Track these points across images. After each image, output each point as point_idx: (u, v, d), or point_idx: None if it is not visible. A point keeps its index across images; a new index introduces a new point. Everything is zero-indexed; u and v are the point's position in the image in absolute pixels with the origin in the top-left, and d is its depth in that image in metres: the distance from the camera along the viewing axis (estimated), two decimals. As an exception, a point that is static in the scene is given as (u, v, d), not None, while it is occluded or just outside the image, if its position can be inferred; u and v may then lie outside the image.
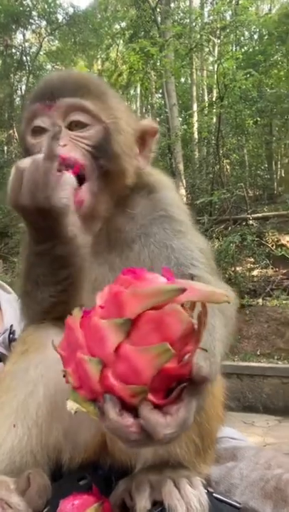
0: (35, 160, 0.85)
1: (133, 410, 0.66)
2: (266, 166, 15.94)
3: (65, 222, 0.88)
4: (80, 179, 0.94)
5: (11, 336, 1.31)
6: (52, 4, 15.22)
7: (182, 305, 0.68)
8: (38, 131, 0.98)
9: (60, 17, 15.76)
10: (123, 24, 17.80)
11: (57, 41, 17.02)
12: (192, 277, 0.81)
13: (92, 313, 0.70)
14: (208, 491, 0.86)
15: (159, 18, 12.87)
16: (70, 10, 15.55)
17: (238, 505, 0.89)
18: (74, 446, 0.91)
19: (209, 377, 0.70)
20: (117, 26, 18.24)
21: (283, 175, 16.08)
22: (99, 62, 18.90)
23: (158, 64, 11.96)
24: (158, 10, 12.95)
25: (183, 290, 0.65)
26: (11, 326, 1.34)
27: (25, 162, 0.86)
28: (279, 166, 16.30)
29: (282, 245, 10.84)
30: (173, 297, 0.66)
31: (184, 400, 0.68)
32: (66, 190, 0.86)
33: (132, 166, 1.04)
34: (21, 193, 0.85)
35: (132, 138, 1.05)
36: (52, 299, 0.93)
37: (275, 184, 15.25)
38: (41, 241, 0.91)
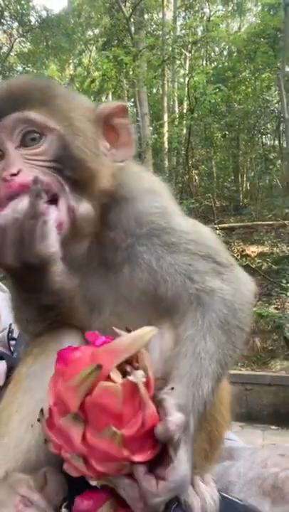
0: (16, 218, 0.79)
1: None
2: (233, 178, 16.42)
3: (52, 271, 0.85)
4: (52, 199, 0.86)
5: (10, 334, 1.29)
6: (25, 6, 15.05)
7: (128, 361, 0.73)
8: None
9: (32, 19, 15.61)
10: (96, 31, 17.88)
11: (29, 43, 16.81)
12: (127, 329, 0.79)
13: (52, 413, 0.75)
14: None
15: (132, 28, 13.04)
16: (43, 13, 15.44)
17: (240, 502, 0.94)
18: None
19: (176, 437, 0.73)
20: (90, 33, 18.30)
21: (248, 187, 16.60)
22: (71, 67, 18.83)
23: (131, 73, 12.08)
24: (132, 20, 13.13)
25: (100, 367, 0.69)
26: (10, 324, 1.32)
27: (5, 218, 0.80)
28: (245, 179, 16.81)
29: (247, 255, 11.16)
30: (96, 378, 0.70)
31: (172, 459, 0.74)
32: (52, 236, 0.82)
33: (103, 165, 0.94)
34: (4, 252, 0.81)
35: (94, 132, 0.94)
36: (45, 325, 0.96)
37: (241, 196, 15.71)
38: (26, 292, 0.91)
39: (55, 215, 0.83)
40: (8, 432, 0.87)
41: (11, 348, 1.26)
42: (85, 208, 0.90)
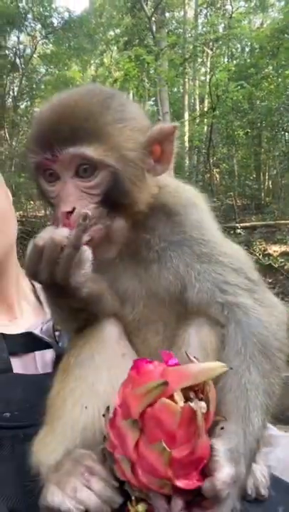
0: (55, 241, 0.84)
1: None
2: (254, 176, 16.19)
3: (81, 292, 0.91)
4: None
5: (55, 325, 1.34)
6: (48, 8, 15.26)
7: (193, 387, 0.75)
8: (50, 175, 0.95)
9: (55, 21, 15.83)
10: (117, 31, 17.96)
11: (51, 45, 17.05)
12: (187, 356, 0.82)
13: (116, 413, 0.80)
14: None
15: (154, 27, 13.03)
16: (66, 14, 15.61)
17: (285, 480, 0.98)
18: None
19: (224, 495, 0.74)
20: (112, 33, 18.40)
21: (271, 186, 16.34)
22: (92, 67, 19.00)
23: (152, 72, 12.10)
24: (153, 19, 13.12)
25: (166, 383, 0.73)
26: None
27: (44, 239, 0.85)
28: (267, 177, 16.56)
29: (269, 255, 11.00)
30: (160, 392, 0.73)
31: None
32: (85, 269, 0.88)
33: (146, 189, 0.98)
34: (40, 269, 0.87)
35: (143, 156, 0.96)
36: (81, 324, 1.02)
37: (263, 194, 15.48)
38: (55, 297, 0.98)
39: (90, 257, 0.89)
40: (64, 414, 0.93)
41: (56, 338, 1.31)
42: (119, 224, 0.96)
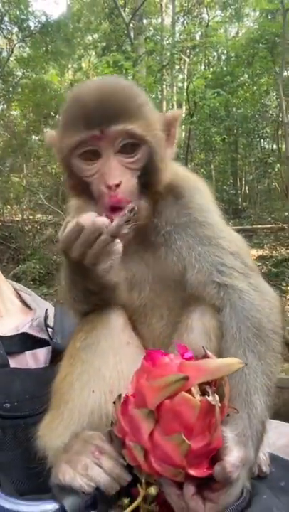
0: (96, 224, 0.87)
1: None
2: (232, 181, 16.47)
3: (102, 278, 0.94)
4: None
5: (46, 321, 1.36)
6: (24, 11, 15.13)
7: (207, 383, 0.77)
8: (90, 154, 0.98)
9: (32, 24, 15.69)
10: (96, 36, 17.99)
11: (28, 48, 16.89)
12: (204, 349, 0.85)
13: (127, 401, 0.81)
14: None
15: (132, 34, 13.12)
16: (43, 18, 15.50)
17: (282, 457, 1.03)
18: None
19: (234, 477, 0.77)
20: (90, 38, 18.40)
21: (247, 191, 16.65)
22: (70, 71, 18.92)
23: (130, 78, 12.17)
24: (131, 25, 13.22)
25: (187, 378, 0.74)
26: (46, 310, 1.39)
27: (86, 220, 0.88)
28: (243, 183, 16.88)
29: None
30: (180, 386, 0.75)
31: (226, 489, 0.78)
32: (114, 259, 0.92)
33: (166, 172, 1.05)
34: (74, 247, 0.90)
35: (164, 140, 1.04)
36: (90, 306, 1.04)
37: (240, 199, 15.77)
38: (76, 275, 0.98)
39: (120, 249, 0.93)
40: (72, 398, 0.95)
41: (50, 334, 1.33)
42: (144, 203, 1.00)
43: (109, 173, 0.94)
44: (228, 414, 0.84)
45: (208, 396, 0.76)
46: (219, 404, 0.77)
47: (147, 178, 0.99)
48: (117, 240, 0.91)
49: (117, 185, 0.93)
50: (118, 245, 0.91)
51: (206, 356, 0.83)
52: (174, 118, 1.06)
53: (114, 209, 0.93)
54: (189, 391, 0.75)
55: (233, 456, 0.78)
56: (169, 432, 0.75)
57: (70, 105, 1.00)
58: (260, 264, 11.16)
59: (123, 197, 0.93)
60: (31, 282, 9.38)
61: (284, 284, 10.33)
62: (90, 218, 0.88)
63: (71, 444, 0.91)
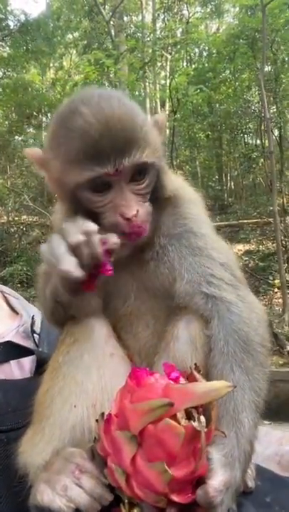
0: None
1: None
2: (217, 177, 16.57)
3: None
4: None
5: (32, 327, 1.34)
6: (3, 10, 14.92)
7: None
8: (100, 186, 0.93)
9: (11, 23, 15.48)
10: (76, 34, 17.85)
11: (8, 47, 16.67)
12: (195, 365, 0.83)
13: (110, 421, 0.78)
14: None
15: (112, 31, 13.06)
16: (22, 17, 15.31)
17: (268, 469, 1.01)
18: None
19: (217, 502, 0.75)
20: (70, 36, 18.25)
21: (233, 186, 16.78)
22: (52, 70, 18.75)
23: (112, 76, 12.11)
24: (112, 23, 13.15)
25: (171, 404, 0.71)
26: (33, 316, 1.36)
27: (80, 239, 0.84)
28: (229, 178, 17.00)
29: (234, 253, 11.28)
30: (164, 412, 0.71)
31: None
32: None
33: (169, 181, 1.05)
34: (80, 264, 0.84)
35: (162, 151, 1.03)
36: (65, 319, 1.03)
37: (226, 195, 15.88)
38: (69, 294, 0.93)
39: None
40: (53, 413, 0.93)
41: (36, 342, 1.31)
42: (152, 216, 0.98)
43: (127, 204, 0.92)
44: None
45: (194, 421, 0.73)
46: (205, 430, 0.74)
47: (156, 194, 0.99)
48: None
49: (135, 215, 0.91)
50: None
51: (192, 377, 0.79)
52: (162, 123, 1.06)
53: (131, 237, 0.93)
54: (174, 416, 0.72)
55: (217, 480, 0.76)
56: (152, 458, 0.72)
57: (72, 135, 0.91)
58: (247, 258, 11.28)
59: (142, 224, 0.93)
60: (19, 285, 9.30)
61: (271, 278, 10.45)
62: (81, 234, 0.84)
63: (52, 462, 0.89)
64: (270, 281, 10.39)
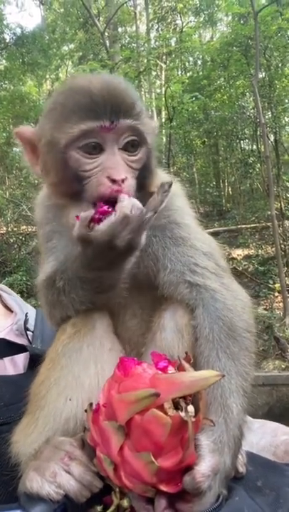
0: (142, 214, 0.85)
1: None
2: (214, 183, 16.64)
3: (131, 257, 0.92)
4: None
5: (26, 324, 1.34)
6: (-1, 25, 15.12)
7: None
8: (91, 147, 0.93)
9: (7, 37, 15.66)
10: (72, 46, 18.05)
11: (4, 60, 16.84)
12: (186, 354, 0.83)
13: (98, 411, 0.78)
14: None
15: (107, 42, 13.22)
16: (18, 30, 15.50)
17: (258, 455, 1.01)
18: None
19: (204, 487, 0.75)
20: (66, 48, 18.46)
21: (230, 192, 16.83)
22: (48, 82, 18.93)
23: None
24: (106, 34, 13.32)
25: (158, 395, 0.70)
26: (26, 314, 1.37)
27: (133, 210, 0.85)
28: (226, 184, 17.06)
29: (233, 258, 11.30)
30: (150, 403, 0.71)
31: (196, 500, 0.76)
32: (145, 233, 0.90)
33: (156, 175, 1.06)
34: (121, 236, 0.85)
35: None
36: (83, 307, 1.00)
37: (224, 201, 15.93)
38: (96, 269, 0.93)
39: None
40: (47, 404, 0.93)
41: (30, 339, 1.31)
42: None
43: (116, 168, 0.91)
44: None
45: (182, 411, 0.72)
46: (193, 419, 0.73)
47: (142, 180, 0.98)
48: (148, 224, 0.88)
49: (123, 181, 0.90)
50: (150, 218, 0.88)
51: (182, 367, 0.79)
52: (155, 128, 1.09)
53: (108, 202, 0.90)
54: (161, 406, 0.71)
55: (204, 466, 0.76)
56: (139, 448, 0.72)
57: (70, 95, 0.95)
58: (246, 263, 11.28)
59: (128, 193, 0.90)
60: (19, 295, 9.26)
61: (271, 282, 10.45)
62: (135, 208, 0.85)
63: (41, 450, 0.89)
64: (270, 285, 10.39)
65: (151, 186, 1.02)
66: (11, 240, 11.76)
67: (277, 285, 10.03)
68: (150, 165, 1.01)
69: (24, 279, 9.65)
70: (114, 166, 0.91)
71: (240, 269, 10.78)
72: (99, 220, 0.85)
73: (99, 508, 0.79)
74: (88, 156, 0.93)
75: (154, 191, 0.99)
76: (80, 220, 0.85)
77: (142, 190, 0.98)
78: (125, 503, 0.77)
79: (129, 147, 0.96)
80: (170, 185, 0.88)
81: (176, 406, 0.73)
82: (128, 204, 0.85)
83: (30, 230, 11.87)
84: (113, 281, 0.96)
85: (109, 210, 0.87)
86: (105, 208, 0.88)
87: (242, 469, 0.94)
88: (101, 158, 0.93)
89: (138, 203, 0.86)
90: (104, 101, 0.91)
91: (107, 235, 0.84)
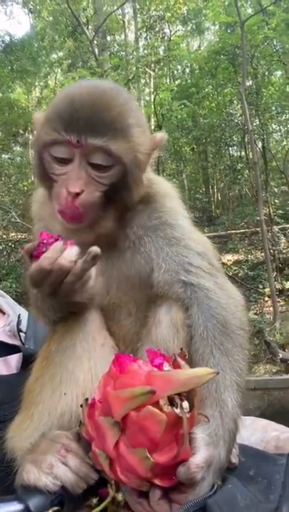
0: (62, 268, 0.88)
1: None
2: (204, 189, 16.77)
3: (81, 298, 0.95)
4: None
5: (19, 325, 1.34)
6: (-13, 32, 15.12)
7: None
8: (62, 158, 0.95)
9: (-4, 44, 15.68)
10: (60, 54, 18.13)
11: (-7, 68, 16.81)
12: (181, 351, 0.84)
13: (94, 406, 0.79)
14: None
15: (96, 50, 13.31)
16: (7, 38, 15.57)
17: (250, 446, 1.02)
18: None
19: (198, 478, 0.77)
20: (55, 55, 18.53)
21: (220, 198, 16.99)
22: (37, 89, 18.95)
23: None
24: (95, 42, 13.40)
25: (153, 392, 0.72)
26: (19, 315, 1.37)
27: (51, 263, 0.87)
28: (215, 190, 17.21)
29: (223, 264, 11.37)
30: (146, 400, 0.72)
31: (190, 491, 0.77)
32: (88, 287, 0.93)
33: (140, 190, 1.03)
34: (43, 287, 0.90)
35: (147, 160, 1.03)
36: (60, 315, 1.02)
37: (213, 207, 16.06)
38: (51, 301, 0.97)
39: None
40: (42, 400, 0.94)
41: (22, 340, 1.32)
42: (109, 215, 0.99)
43: (74, 180, 0.92)
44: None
45: (177, 407, 0.73)
46: (187, 416, 0.74)
47: (115, 195, 0.97)
48: (89, 274, 0.92)
49: (78, 194, 0.91)
50: (88, 273, 0.91)
51: (177, 364, 0.80)
52: (161, 142, 1.06)
53: (65, 214, 0.93)
54: (157, 403, 0.72)
55: (198, 457, 0.78)
56: (135, 444, 0.73)
57: (61, 100, 0.97)
58: (236, 268, 11.36)
59: (80, 206, 0.92)
60: (9, 302, 9.19)
61: (261, 287, 10.53)
62: (54, 259, 0.87)
63: (37, 444, 0.90)
64: (260, 290, 10.47)
65: (131, 200, 1.02)
66: (0, 247, 11.66)
67: (267, 290, 10.10)
68: (126, 182, 0.97)
69: (14, 286, 9.57)
70: (72, 178, 0.93)
71: (231, 274, 10.85)
72: (40, 253, 0.88)
73: (95, 500, 0.81)
74: (58, 163, 0.96)
75: (134, 204, 1.04)
76: (24, 252, 0.90)
77: (118, 203, 0.99)
78: (120, 496, 0.78)
79: (99, 165, 0.95)
80: (93, 256, 0.89)
81: (172, 402, 0.74)
82: (51, 256, 0.87)
83: (19, 236, 11.80)
84: (75, 304, 0.98)
85: (51, 240, 0.89)
86: (46, 239, 0.90)
87: (235, 460, 0.95)
88: (67, 168, 0.95)
89: (68, 259, 0.88)
90: (78, 117, 0.92)
91: (30, 279, 0.90)
